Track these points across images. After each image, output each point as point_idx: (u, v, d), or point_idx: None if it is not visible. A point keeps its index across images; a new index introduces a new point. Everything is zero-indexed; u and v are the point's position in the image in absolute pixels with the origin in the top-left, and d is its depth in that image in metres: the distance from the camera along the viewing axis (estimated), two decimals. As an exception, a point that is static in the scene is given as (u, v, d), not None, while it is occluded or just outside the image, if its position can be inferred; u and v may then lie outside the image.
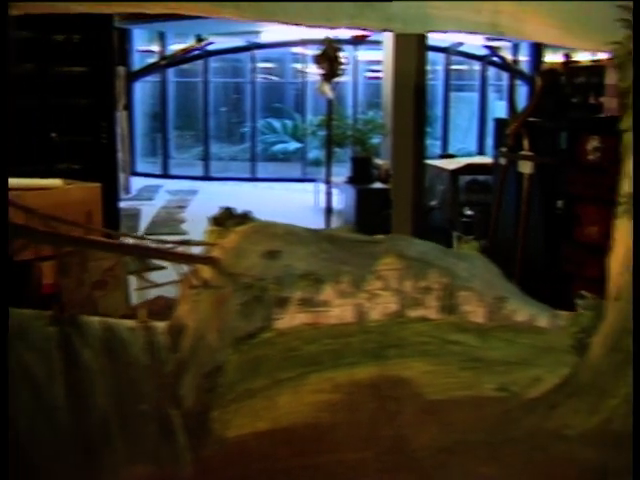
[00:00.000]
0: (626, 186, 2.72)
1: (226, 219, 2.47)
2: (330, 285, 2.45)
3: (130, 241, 2.83)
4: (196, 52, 15.08)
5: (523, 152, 5.21)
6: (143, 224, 9.62)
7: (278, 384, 2.43)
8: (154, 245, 2.46)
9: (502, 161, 5.62)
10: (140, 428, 2.30)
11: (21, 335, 2.21)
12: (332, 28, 2.59)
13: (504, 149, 5.52)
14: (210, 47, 14.80)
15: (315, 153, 15.09)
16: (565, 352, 2.62)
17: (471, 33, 2.67)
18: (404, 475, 2.61)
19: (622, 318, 2.67)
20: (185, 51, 15.32)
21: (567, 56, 7.43)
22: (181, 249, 2.43)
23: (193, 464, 2.40)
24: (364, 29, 2.60)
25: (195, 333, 2.42)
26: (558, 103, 5.61)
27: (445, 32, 2.80)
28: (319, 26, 2.70)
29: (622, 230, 2.69)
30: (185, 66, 15.72)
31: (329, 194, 9.20)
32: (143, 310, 2.47)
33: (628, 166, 2.72)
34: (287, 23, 2.47)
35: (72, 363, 2.19)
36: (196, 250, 2.53)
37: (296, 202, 12.10)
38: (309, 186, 12.27)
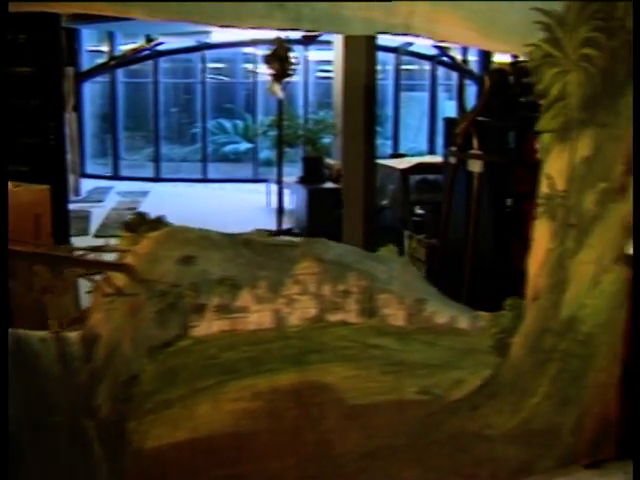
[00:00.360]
0: (545, 187, 2.73)
1: (139, 225, 2.40)
2: (247, 290, 2.40)
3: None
4: (146, 52, 14.76)
5: (472, 151, 5.12)
6: (93, 226, 9.39)
7: (196, 393, 2.38)
8: (66, 253, 2.38)
9: (452, 160, 5.50)
10: (52, 442, 2.22)
11: None
12: (242, 28, 2.53)
13: (454, 148, 5.47)
14: (160, 47, 14.37)
15: (266, 153, 14.75)
16: (486, 353, 2.62)
17: (384, 34, 2.64)
18: None
19: (541, 318, 2.68)
20: (135, 51, 15.01)
21: (515, 56, 7.53)
22: (93, 256, 2.35)
23: (110, 477, 2.33)
24: (274, 29, 2.55)
25: (109, 342, 2.36)
26: (506, 102, 5.66)
27: (357, 33, 2.79)
28: (229, 26, 2.65)
29: (541, 231, 2.69)
30: (135, 66, 14.88)
31: (280, 194, 9.08)
32: (54, 321, 2.38)
33: (547, 167, 2.73)
34: (198, 23, 2.42)
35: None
36: (109, 257, 2.45)
37: (248, 203, 11.93)
38: (261, 187, 12.02)
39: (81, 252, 2.35)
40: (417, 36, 2.58)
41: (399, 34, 2.50)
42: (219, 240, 2.49)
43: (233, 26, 2.63)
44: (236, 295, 2.39)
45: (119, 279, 2.34)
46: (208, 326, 2.38)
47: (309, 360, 2.46)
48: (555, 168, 2.66)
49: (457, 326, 2.58)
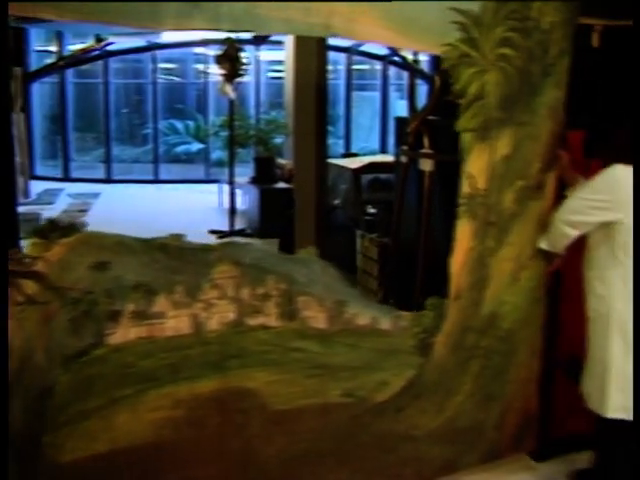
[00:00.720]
0: (466, 186, 2.72)
1: (50, 231, 2.31)
2: (164, 296, 2.34)
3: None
4: (95, 52, 14.52)
5: (423, 150, 5.27)
6: None
7: (114, 403, 2.31)
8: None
9: (403, 159, 5.70)
10: None
11: None
12: (159, 29, 2.47)
13: (405, 147, 5.59)
14: (110, 47, 14.08)
15: (218, 154, 14.53)
16: (409, 353, 2.62)
17: (304, 34, 2.61)
18: None
19: (463, 316, 2.68)
20: (84, 51, 14.70)
21: None
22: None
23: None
24: (193, 29, 2.48)
25: (21, 353, 2.25)
26: (457, 101, 5.72)
27: (276, 33, 2.75)
28: (146, 26, 2.57)
29: (462, 231, 2.69)
30: (84, 67, 14.59)
31: (232, 195, 9.05)
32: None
33: (468, 167, 2.73)
34: (111, 23, 2.34)
35: None
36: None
37: (200, 203, 11.83)
38: (213, 187, 11.82)
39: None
40: (336, 36, 2.55)
41: (319, 34, 2.48)
42: (134, 245, 2.40)
43: (150, 27, 2.56)
44: (152, 301, 2.33)
45: (30, 287, 2.23)
46: (124, 333, 2.31)
47: (230, 366, 2.41)
48: (476, 167, 2.67)
49: (379, 327, 2.56)
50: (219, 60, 8.46)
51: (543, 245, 2.76)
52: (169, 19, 2.34)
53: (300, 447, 2.56)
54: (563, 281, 2.98)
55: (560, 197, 2.75)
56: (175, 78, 16.34)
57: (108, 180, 13.98)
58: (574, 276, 2.83)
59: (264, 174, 9.37)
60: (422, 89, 14.04)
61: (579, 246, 2.70)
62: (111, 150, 14.63)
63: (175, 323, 2.35)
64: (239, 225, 8.92)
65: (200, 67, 15.35)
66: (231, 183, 8.86)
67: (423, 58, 15.64)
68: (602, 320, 2.58)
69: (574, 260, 2.80)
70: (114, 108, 14.87)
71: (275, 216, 8.00)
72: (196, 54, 15.25)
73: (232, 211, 8.77)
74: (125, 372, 2.33)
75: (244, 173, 9.74)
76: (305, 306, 2.46)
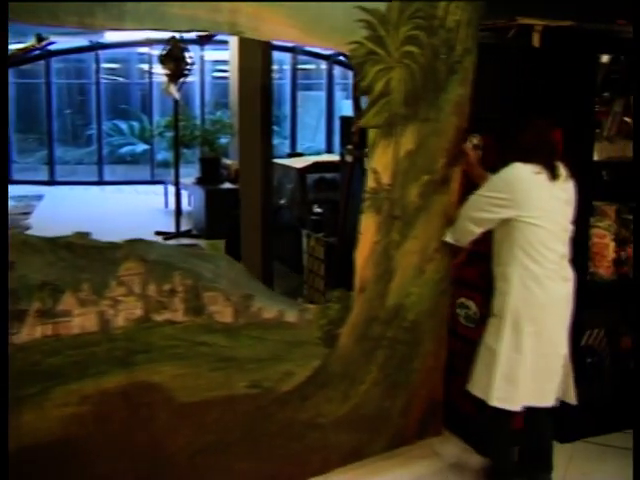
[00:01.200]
0: (371, 181, 2.81)
1: None
2: (70, 294, 2.36)
3: None
4: (36, 52, 14.26)
5: (368, 149, 5.33)
6: None
7: (19, 402, 2.32)
8: None
9: (348, 158, 5.44)
10: None
11: None
12: (60, 26, 2.45)
13: (350, 146, 5.70)
14: (52, 47, 13.81)
15: (163, 155, 14.32)
16: (314, 345, 2.69)
17: (209, 31, 2.64)
18: None
19: (368, 308, 2.77)
20: (24, 51, 14.38)
21: None
22: None
23: None
24: (98, 28, 2.49)
25: None
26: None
27: (182, 31, 2.76)
28: (44, 24, 2.57)
29: (367, 224, 2.78)
30: (25, 67, 14.51)
31: (178, 196, 9.00)
32: None
33: (373, 162, 2.81)
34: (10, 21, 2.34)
35: None
36: None
37: (145, 205, 11.73)
38: (158, 188, 11.66)
39: None
40: (242, 34, 2.59)
41: (224, 32, 2.50)
42: (39, 244, 2.41)
43: (50, 25, 2.55)
44: (58, 299, 2.35)
45: None
46: (30, 332, 2.32)
47: (136, 361, 2.45)
48: (381, 163, 2.75)
49: (285, 320, 2.62)
50: (163, 60, 8.37)
51: (449, 239, 2.87)
52: (69, 17, 2.34)
53: (208, 439, 2.61)
54: None
55: (467, 193, 2.87)
56: (119, 78, 16.01)
57: (51, 182, 13.67)
58: None
59: (210, 175, 9.33)
60: None
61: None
62: (54, 151, 14.34)
63: (81, 321, 2.37)
64: (185, 226, 8.89)
65: (144, 67, 15.06)
66: (177, 184, 8.80)
67: None
68: (499, 314, 2.68)
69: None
70: (57, 109, 14.54)
71: (221, 217, 7.90)
72: (140, 54, 15.00)
73: (178, 212, 8.72)
74: (31, 370, 2.34)
75: (190, 174, 9.69)
76: (211, 301, 2.51)
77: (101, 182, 13.92)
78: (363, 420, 2.85)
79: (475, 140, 3.13)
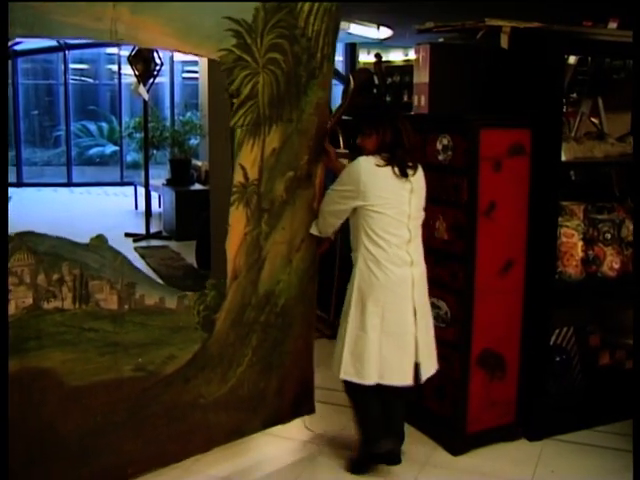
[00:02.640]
0: (239, 177, 3.32)
1: None
2: None
3: None
4: (0, 52, 13.64)
5: (339, 150, 5.30)
6: None
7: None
8: None
9: None
10: None
11: None
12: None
13: None
14: (18, 47, 14.02)
15: (133, 156, 14.98)
16: (194, 329, 3.20)
17: (94, 39, 3.15)
18: (54, 464, 3.00)
19: (241, 295, 3.28)
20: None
21: (378, 56, 8.21)
22: None
23: None
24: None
25: None
26: (371, 101, 5.81)
27: (68, 38, 3.20)
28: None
29: (236, 216, 3.30)
30: None
31: (148, 197, 9.49)
32: None
33: (241, 159, 3.32)
34: None
35: None
36: None
37: (115, 206, 12.05)
38: (128, 190, 12.27)
39: None
40: (123, 42, 3.15)
41: (107, 40, 3.05)
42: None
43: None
44: None
45: None
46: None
47: (28, 347, 2.84)
48: (248, 160, 3.29)
49: (166, 306, 3.11)
50: (132, 60, 9.01)
51: (313, 231, 3.44)
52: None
53: (96, 421, 2.99)
54: (477, 279, 3.54)
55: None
56: (87, 79, 17.09)
57: (19, 184, 14.30)
58: (486, 272, 3.56)
59: (180, 176, 10.00)
60: (337, 89, 14.86)
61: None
62: (21, 153, 15.15)
63: None
64: (155, 228, 9.44)
65: (113, 68, 15.86)
66: (146, 185, 9.35)
67: (338, 58, 16.56)
68: (348, 294, 3.29)
69: (491, 261, 3.53)
70: (24, 110, 15.41)
71: (191, 218, 8.64)
72: (108, 54, 15.76)
73: (148, 214, 9.25)
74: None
75: (160, 175, 10.41)
76: (97, 289, 3.03)
77: (70, 184, 14.73)
78: (241, 400, 3.36)
79: (445, 140, 3.61)
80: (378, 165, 3.25)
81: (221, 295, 3.30)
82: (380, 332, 3.25)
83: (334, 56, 3.55)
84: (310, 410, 3.81)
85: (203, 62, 10.78)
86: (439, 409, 3.75)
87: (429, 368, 3.38)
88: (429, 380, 3.44)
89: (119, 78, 15.33)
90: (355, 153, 3.47)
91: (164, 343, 3.18)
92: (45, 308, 2.94)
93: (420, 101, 3.89)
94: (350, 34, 12.26)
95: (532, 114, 3.66)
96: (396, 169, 3.24)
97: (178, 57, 15.09)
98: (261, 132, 3.36)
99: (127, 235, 8.99)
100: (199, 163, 10.57)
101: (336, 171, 3.54)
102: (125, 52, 11.67)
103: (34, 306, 2.92)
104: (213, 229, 6.15)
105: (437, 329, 3.54)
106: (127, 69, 10.72)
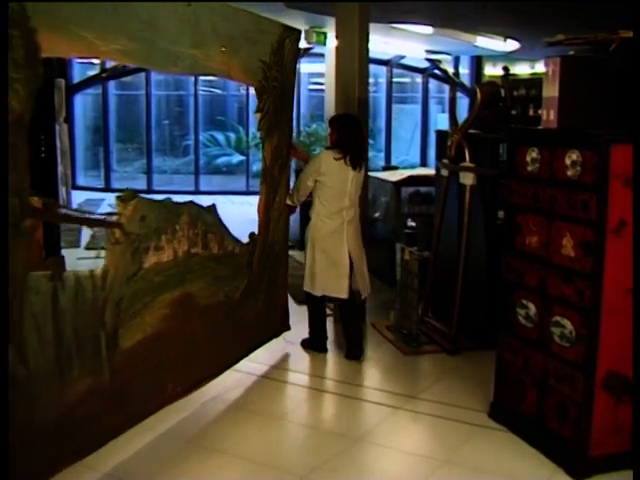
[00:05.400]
0: (264, 164, 5.13)
1: (128, 198, 3.59)
2: (164, 236, 3.89)
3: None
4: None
5: (464, 163, 5.53)
6: (84, 238, 9.70)
7: (144, 306, 3.72)
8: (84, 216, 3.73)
9: (444, 172, 5.88)
10: (85, 349, 3.34)
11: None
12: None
13: (446, 161, 5.81)
14: None
15: (259, 165, 15.19)
16: (245, 267, 4.82)
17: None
18: (190, 361, 4.26)
19: (262, 245, 5.06)
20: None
21: (506, 69, 8.14)
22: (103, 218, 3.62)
23: (109, 373, 3.50)
24: None
25: (113, 273, 3.51)
26: (498, 115, 5.75)
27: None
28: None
29: (262, 191, 5.52)
30: (127, 79, 16.07)
31: None
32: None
33: (263, 152, 5.11)
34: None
35: (55, 305, 3.16)
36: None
37: (240, 214, 13.74)
38: (253, 199, 13.00)
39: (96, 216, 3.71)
40: (218, 75, 4.47)
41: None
42: (166, 206, 4.01)
43: None
44: (160, 240, 3.85)
45: (117, 232, 3.54)
46: (150, 260, 3.79)
47: (184, 279, 4.08)
48: (267, 153, 5.01)
49: (235, 251, 4.68)
50: None
51: (288, 202, 5.32)
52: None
53: (211, 331, 4.47)
54: (604, 298, 3.53)
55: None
56: (216, 90, 17.66)
57: (149, 191, 14.83)
58: (613, 291, 3.53)
59: None
60: (463, 102, 14.67)
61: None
62: (152, 161, 16.01)
63: (166, 255, 3.96)
64: None
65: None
66: None
67: (464, 71, 16.78)
68: (310, 240, 5.23)
69: (619, 280, 3.51)
70: (155, 120, 16.18)
71: None
72: None
73: None
74: (149, 286, 3.79)
75: None
76: (211, 240, 4.38)
77: (197, 192, 15.23)
78: (261, 319, 5.05)
79: (574, 156, 3.62)
80: (335, 158, 5.10)
81: (255, 244, 4.94)
82: (324, 262, 5.18)
83: (294, 80, 5.32)
84: (288, 328, 5.65)
85: (329, 74, 12.24)
86: (561, 430, 3.77)
87: (363, 291, 5.39)
88: (550, 400, 3.83)
89: (247, 89, 15.65)
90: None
91: (233, 277, 4.69)
92: (192, 252, 4.18)
93: (549, 115, 3.94)
94: (476, 47, 12.18)
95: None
96: (348, 160, 5.12)
97: (304, 69, 15.80)
98: (272, 135, 5.04)
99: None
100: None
101: (303, 159, 5.55)
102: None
103: (188, 252, 4.15)
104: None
105: (560, 348, 3.72)
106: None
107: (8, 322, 2.87)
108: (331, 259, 5.18)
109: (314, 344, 5.46)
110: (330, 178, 5.13)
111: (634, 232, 3.49)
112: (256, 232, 4.98)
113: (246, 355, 4.98)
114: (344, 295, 5.24)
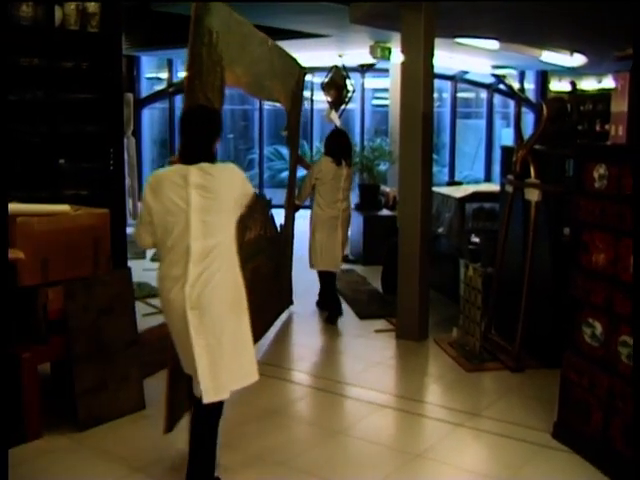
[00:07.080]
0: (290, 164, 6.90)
1: None
2: (251, 220, 5.48)
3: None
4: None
5: (530, 180, 5.46)
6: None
7: (244, 268, 4.13)
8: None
9: (509, 188, 5.82)
10: None
11: None
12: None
13: (511, 176, 5.77)
14: None
15: None
16: (279, 245, 6.68)
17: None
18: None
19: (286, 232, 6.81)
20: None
21: (573, 84, 8.07)
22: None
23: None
24: None
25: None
26: (565, 130, 5.84)
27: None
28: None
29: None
30: None
31: None
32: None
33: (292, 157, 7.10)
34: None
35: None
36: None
37: (303, 227, 14.36)
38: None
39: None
40: (262, 97, 7.18)
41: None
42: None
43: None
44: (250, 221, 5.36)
45: None
46: (249, 235, 5.44)
47: (251, 253, 5.37)
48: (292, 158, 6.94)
49: (273, 234, 6.56)
50: (325, 87, 9.80)
51: (296, 201, 6.97)
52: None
53: (266, 292, 6.03)
54: None
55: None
56: (281, 105, 17.21)
57: None
58: None
59: (368, 201, 10.36)
60: (528, 117, 14.69)
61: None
62: None
63: (257, 231, 5.81)
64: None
65: (306, 94, 17.01)
66: None
67: (529, 86, 16.58)
68: (310, 223, 6.97)
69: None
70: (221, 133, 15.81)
71: (378, 243, 8.90)
72: None
73: None
74: (248, 253, 4.99)
75: None
76: (260, 225, 5.86)
77: None
78: (282, 289, 6.91)
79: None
80: (332, 162, 6.67)
81: (282, 229, 6.59)
82: (321, 242, 6.77)
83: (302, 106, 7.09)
84: (291, 302, 7.30)
85: (393, 89, 12.29)
86: (627, 452, 3.67)
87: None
88: (617, 421, 3.73)
89: (311, 104, 15.71)
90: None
91: (275, 255, 6.56)
92: (259, 235, 5.81)
93: (617, 130, 3.87)
94: (542, 61, 12.03)
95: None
96: (337, 162, 6.61)
97: (368, 84, 15.81)
98: (293, 140, 6.92)
99: None
100: (387, 189, 10.80)
101: (306, 168, 7.12)
102: (318, 79, 11.48)
103: (259, 234, 5.80)
104: (400, 255, 6.35)
105: (628, 368, 3.69)
106: (319, 95, 11.26)
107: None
108: (329, 238, 6.81)
109: (329, 311, 7.06)
110: (327, 176, 6.74)
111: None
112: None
113: (281, 312, 6.91)
114: (338, 269, 7.08)
